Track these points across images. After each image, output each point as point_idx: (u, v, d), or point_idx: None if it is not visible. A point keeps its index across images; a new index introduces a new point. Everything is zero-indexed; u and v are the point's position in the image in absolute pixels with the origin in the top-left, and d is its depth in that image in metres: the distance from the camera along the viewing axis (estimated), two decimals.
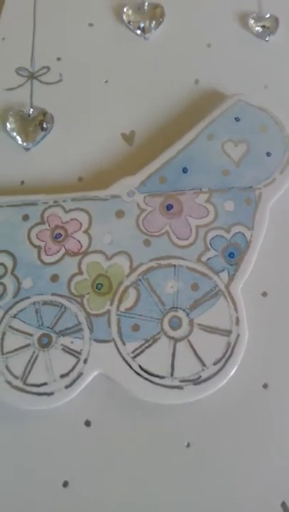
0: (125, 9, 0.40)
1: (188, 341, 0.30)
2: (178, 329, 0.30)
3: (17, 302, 0.31)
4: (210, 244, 0.32)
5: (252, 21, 0.40)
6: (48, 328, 0.30)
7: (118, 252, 0.32)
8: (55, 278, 0.31)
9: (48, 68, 0.39)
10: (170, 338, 0.30)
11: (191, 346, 0.30)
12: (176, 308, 0.31)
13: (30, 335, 0.30)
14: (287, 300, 0.32)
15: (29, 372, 0.29)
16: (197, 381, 0.29)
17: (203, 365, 0.29)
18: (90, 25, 0.40)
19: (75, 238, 0.32)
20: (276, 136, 0.34)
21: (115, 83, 0.38)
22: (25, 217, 0.33)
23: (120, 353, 0.30)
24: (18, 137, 0.37)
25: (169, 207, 0.33)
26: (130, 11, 0.40)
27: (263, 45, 0.40)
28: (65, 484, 0.29)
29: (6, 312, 0.31)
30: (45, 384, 0.29)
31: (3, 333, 0.30)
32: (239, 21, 0.40)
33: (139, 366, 0.29)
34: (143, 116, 0.37)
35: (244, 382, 0.30)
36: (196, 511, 0.29)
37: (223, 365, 0.29)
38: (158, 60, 0.39)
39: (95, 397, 0.30)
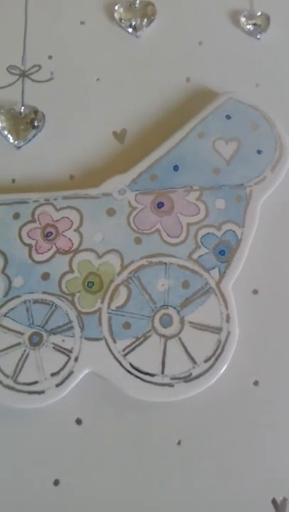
0: (117, 7, 0.40)
1: (179, 339, 0.30)
2: (169, 327, 0.30)
3: (8, 301, 0.31)
4: (201, 241, 0.32)
5: (243, 19, 0.40)
6: (39, 326, 0.30)
7: (109, 250, 0.32)
8: (46, 276, 0.31)
9: (40, 66, 0.39)
10: (161, 335, 0.30)
11: (182, 344, 0.30)
12: (167, 306, 0.31)
13: (21, 333, 0.30)
14: (277, 297, 0.32)
15: (20, 370, 0.29)
16: (188, 379, 0.29)
17: (194, 362, 0.29)
18: (82, 23, 0.40)
19: (66, 236, 0.32)
20: (267, 133, 0.34)
21: (107, 81, 0.38)
22: (16, 216, 0.33)
23: (111, 351, 0.30)
24: (9, 135, 0.37)
25: (160, 205, 0.33)
26: (122, 9, 0.40)
27: (255, 43, 0.39)
28: (56, 483, 0.29)
29: None
30: (36, 382, 0.29)
31: None
32: (230, 19, 0.40)
33: (130, 364, 0.29)
34: (134, 114, 0.37)
35: (235, 379, 0.30)
36: (187, 508, 0.29)
37: (214, 363, 0.29)
38: (149, 58, 0.39)
39: (86, 395, 0.30)
